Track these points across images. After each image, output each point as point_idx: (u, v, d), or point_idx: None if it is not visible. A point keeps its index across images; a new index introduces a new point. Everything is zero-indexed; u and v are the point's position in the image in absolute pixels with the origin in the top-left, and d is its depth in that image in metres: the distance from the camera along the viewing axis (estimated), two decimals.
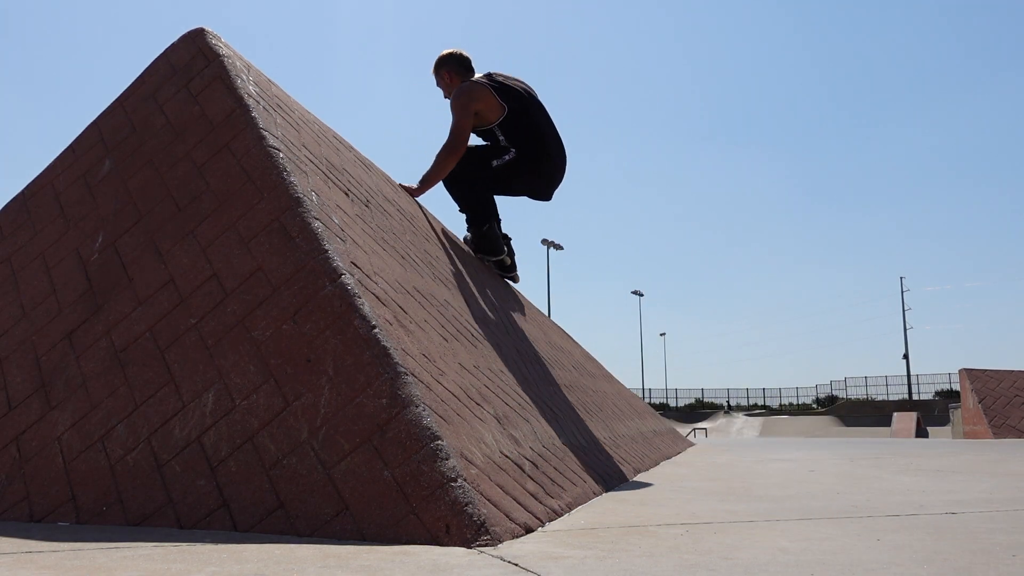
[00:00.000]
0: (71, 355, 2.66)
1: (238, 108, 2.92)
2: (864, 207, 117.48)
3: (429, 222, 4.44)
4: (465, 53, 4.81)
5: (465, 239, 4.99)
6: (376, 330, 2.22)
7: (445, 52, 4.79)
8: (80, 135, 3.40)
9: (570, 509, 2.36)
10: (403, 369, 2.14)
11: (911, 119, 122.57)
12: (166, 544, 1.77)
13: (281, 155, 2.76)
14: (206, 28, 3.29)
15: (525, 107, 4.64)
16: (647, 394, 61.64)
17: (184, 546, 1.74)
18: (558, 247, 45.60)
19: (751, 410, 57.58)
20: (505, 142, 4.62)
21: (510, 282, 5.41)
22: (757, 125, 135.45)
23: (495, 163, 4.65)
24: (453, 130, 4.49)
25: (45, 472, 2.39)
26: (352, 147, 4.12)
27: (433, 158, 4.53)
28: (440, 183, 4.67)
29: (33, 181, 3.41)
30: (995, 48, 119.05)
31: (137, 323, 2.60)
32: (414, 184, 4.55)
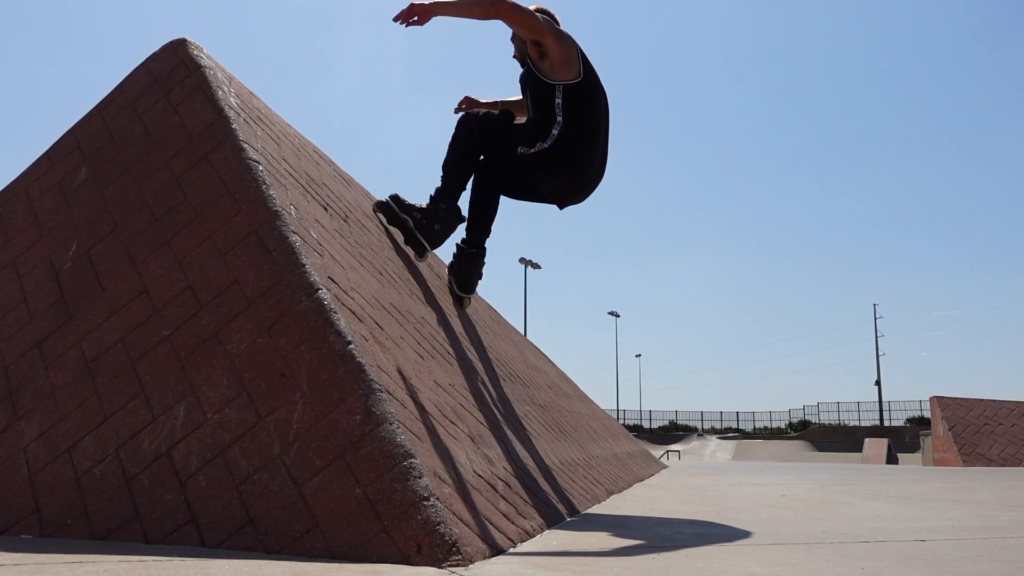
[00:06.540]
0: (40, 364, 2.61)
1: (218, 119, 2.91)
2: (839, 233, 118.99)
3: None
4: (554, 13, 3.82)
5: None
6: (351, 346, 2.21)
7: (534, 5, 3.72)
8: (56, 142, 3.36)
9: (543, 530, 2.35)
10: (378, 386, 2.13)
11: (886, 146, 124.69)
12: (131, 559, 1.74)
13: (260, 168, 2.75)
14: (188, 38, 3.28)
15: (598, 87, 3.78)
16: (621, 415, 61.66)
17: (150, 561, 1.71)
18: (536, 266, 45.63)
19: (724, 433, 57.65)
20: (560, 111, 3.66)
21: (471, 301, 4.53)
22: (735, 151, 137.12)
23: (521, 151, 3.77)
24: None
25: (9, 483, 2.34)
26: (332, 161, 4.12)
27: None
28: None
29: (6, 187, 3.36)
30: (970, 86, 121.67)
31: (109, 333, 2.56)
32: None
